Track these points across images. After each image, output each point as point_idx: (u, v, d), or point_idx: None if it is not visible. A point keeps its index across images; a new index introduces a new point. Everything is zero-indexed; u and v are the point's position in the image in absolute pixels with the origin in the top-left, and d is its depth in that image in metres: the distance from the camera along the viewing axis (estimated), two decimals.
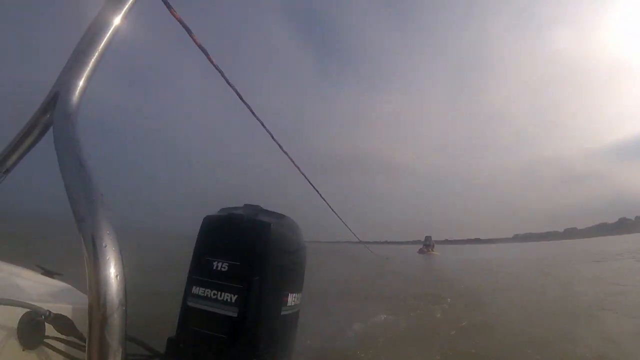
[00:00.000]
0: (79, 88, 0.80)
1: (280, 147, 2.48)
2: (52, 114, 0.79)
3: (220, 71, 1.87)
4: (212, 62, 1.81)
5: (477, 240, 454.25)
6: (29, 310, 1.07)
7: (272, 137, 2.38)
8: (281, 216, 1.55)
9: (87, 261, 0.57)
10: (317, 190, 3.30)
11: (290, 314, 1.57)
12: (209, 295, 1.32)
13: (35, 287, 1.54)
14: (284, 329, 1.54)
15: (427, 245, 30.17)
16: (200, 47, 1.70)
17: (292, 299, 1.55)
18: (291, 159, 2.76)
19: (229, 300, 1.30)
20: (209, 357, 1.30)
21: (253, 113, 2.10)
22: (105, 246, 0.57)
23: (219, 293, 1.31)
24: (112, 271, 0.57)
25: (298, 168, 2.95)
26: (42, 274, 1.76)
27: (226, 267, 1.34)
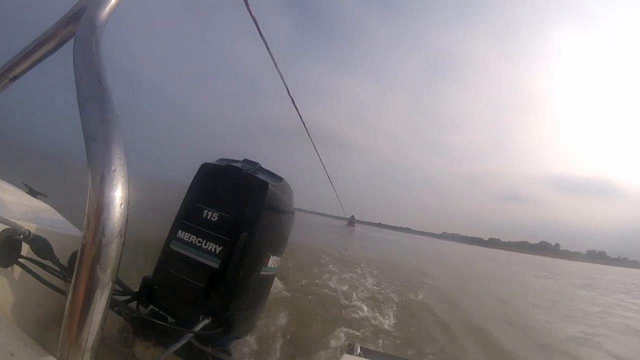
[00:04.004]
0: (110, 4, 0.73)
1: (295, 105, 2.25)
2: (75, 26, 0.72)
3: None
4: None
5: (408, 230, 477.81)
6: (8, 227, 1.03)
7: (288, 92, 2.15)
8: (279, 178, 1.59)
9: (91, 184, 0.52)
10: (320, 159, 3.14)
11: (268, 276, 1.61)
12: (193, 242, 1.35)
13: (17, 204, 1.48)
14: (260, 289, 1.59)
15: (351, 222, 39.12)
16: None
17: (272, 261, 1.58)
18: (302, 120, 2.52)
19: (213, 250, 1.33)
20: (182, 303, 1.33)
21: (275, 64, 1.84)
22: (114, 170, 0.53)
23: (204, 242, 1.34)
24: (118, 198, 0.52)
25: (307, 131, 2.69)
26: (27, 192, 1.72)
27: (216, 218, 1.36)
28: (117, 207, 0.53)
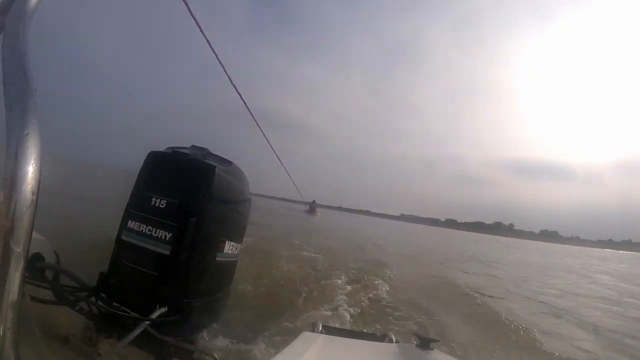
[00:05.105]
0: None
1: (238, 92, 2.09)
2: (4, 18, 0.74)
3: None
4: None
5: (368, 212, 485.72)
6: None
7: (229, 79, 1.95)
8: (228, 162, 1.59)
9: (7, 148, 0.56)
10: (270, 144, 2.99)
11: (226, 262, 1.61)
12: (143, 231, 1.35)
13: None
14: (218, 275, 1.57)
15: (312, 208, 37.52)
16: None
17: (229, 246, 1.58)
18: (247, 107, 2.31)
19: (163, 237, 1.33)
20: (139, 293, 1.33)
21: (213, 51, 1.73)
22: (27, 134, 0.57)
23: (154, 229, 1.34)
24: (30, 161, 0.56)
25: (253, 118, 2.66)
26: None
27: (164, 204, 1.36)
28: (29, 171, 0.56)
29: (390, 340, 1.52)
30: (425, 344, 1.35)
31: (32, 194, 0.56)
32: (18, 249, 0.54)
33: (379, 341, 1.52)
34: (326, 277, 5.62)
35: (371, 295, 5.12)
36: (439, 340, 1.38)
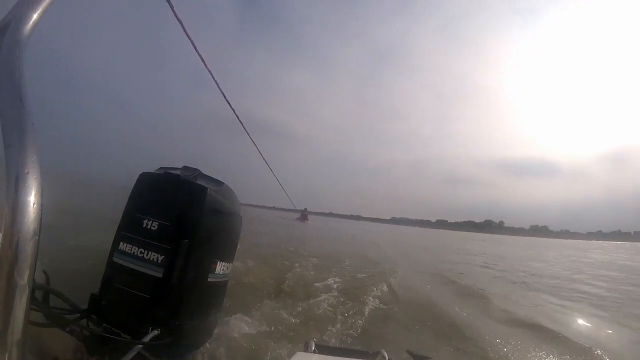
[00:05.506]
0: (32, 20, 0.74)
1: (228, 100, 2.21)
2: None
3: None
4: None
5: (359, 217, 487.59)
6: None
7: (218, 85, 2.01)
8: (219, 183, 1.57)
9: (7, 186, 0.55)
10: (260, 153, 3.15)
11: (218, 282, 1.59)
12: (135, 253, 1.33)
13: None
14: (209, 296, 1.55)
15: (304, 215, 37.52)
16: None
17: (220, 267, 1.57)
18: (236, 114, 2.48)
19: (155, 260, 1.31)
20: (131, 316, 1.32)
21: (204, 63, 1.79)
22: (27, 173, 0.56)
23: (146, 252, 1.32)
24: (31, 199, 0.56)
25: (243, 127, 2.62)
26: None
27: (156, 227, 1.34)
28: (30, 208, 0.56)
29: (383, 358, 1.52)
30: None
31: (35, 229, 0.56)
32: (22, 281, 0.54)
33: (372, 359, 1.52)
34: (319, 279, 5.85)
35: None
36: (430, 358, 1.38)
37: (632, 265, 18.79)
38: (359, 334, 3.70)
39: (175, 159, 1.64)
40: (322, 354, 1.45)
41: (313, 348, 1.47)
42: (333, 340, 3.43)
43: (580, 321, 5.49)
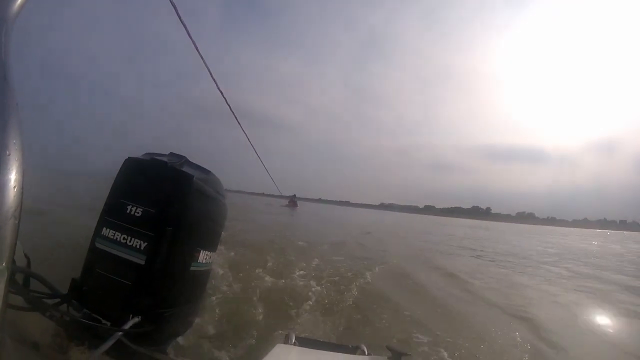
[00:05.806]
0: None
1: (219, 89, 2.21)
2: None
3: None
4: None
5: (347, 203, 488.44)
6: None
7: (210, 73, 2.11)
8: (206, 171, 1.57)
9: None
10: (248, 138, 3.17)
11: (200, 271, 1.58)
12: (118, 239, 1.32)
13: None
14: (191, 285, 1.55)
15: (293, 202, 38.83)
16: None
17: (203, 256, 1.56)
18: (228, 104, 2.50)
19: (137, 246, 1.31)
20: (112, 302, 1.31)
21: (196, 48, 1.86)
22: (9, 154, 0.55)
23: (129, 238, 1.32)
24: (11, 179, 0.54)
25: (235, 117, 2.65)
26: None
27: (140, 213, 1.34)
28: (10, 189, 0.54)
29: (363, 353, 1.54)
30: (396, 357, 1.38)
31: (14, 211, 0.55)
32: (0, 265, 0.52)
33: (351, 353, 1.55)
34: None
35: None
36: (410, 355, 1.42)
37: (589, 249, 21.26)
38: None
39: (162, 147, 1.57)
40: (302, 346, 1.48)
41: (293, 340, 1.49)
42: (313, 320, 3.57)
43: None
